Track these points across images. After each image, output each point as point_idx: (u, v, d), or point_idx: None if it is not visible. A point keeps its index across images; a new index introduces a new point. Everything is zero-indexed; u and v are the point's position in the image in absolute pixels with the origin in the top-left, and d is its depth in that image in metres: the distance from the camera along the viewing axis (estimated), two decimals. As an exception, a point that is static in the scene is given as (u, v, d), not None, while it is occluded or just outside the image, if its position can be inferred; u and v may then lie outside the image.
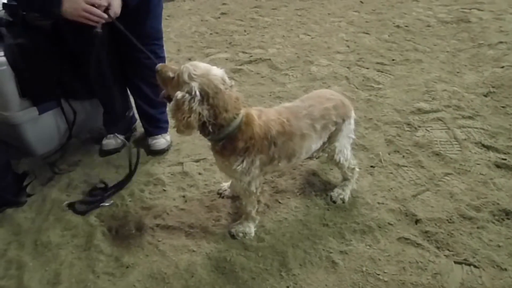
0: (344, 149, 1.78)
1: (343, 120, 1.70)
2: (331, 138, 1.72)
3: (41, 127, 2.16)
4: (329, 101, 1.67)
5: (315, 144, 1.65)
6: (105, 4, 1.61)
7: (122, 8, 1.70)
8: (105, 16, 1.63)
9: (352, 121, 1.77)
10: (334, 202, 1.84)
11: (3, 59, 1.92)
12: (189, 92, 1.32)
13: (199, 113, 1.34)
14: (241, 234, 1.68)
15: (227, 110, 1.39)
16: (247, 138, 1.44)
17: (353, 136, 1.82)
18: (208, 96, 1.34)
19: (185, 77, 1.35)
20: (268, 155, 1.52)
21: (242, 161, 1.47)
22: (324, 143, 1.72)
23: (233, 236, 1.69)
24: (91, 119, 2.34)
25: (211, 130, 1.40)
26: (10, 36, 1.99)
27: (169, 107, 1.44)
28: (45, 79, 2.03)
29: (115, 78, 2.04)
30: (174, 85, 1.40)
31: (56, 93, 2.12)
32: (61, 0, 1.56)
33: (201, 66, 1.38)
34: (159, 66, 1.47)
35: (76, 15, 1.58)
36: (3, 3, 2.09)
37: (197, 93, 1.32)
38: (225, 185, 1.92)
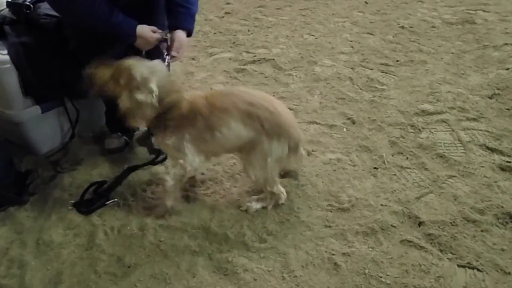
0: (258, 167, 1.69)
1: (276, 130, 1.62)
2: (247, 142, 1.66)
3: (44, 125, 2.16)
4: (264, 103, 1.64)
5: (239, 126, 1.61)
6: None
7: None
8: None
9: (284, 141, 1.66)
10: (241, 208, 1.81)
11: (7, 57, 1.92)
12: (150, 92, 1.52)
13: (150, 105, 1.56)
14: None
15: (168, 96, 1.59)
16: (177, 116, 1.60)
17: (278, 158, 1.69)
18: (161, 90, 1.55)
19: (139, 78, 1.52)
20: (195, 128, 1.63)
21: (172, 136, 1.64)
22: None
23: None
24: (94, 118, 2.33)
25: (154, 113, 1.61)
26: (13, 35, 1.99)
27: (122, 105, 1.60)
28: (48, 77, 2.03)
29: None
30: (123, 86, 1.56)
31: (59, 92, 2.11)
32: (134, 36, 1.73)
33: (146, 65, 1.57)
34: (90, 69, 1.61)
35: (147, 45, 1.79)
36: (7, 2, 2.09)
37: (156, 91, 1.52)
38: None
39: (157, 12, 1.91)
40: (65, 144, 2.26)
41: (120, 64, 1.59)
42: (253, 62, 3.28)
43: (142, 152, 2.24)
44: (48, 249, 1.69)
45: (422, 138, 2.27)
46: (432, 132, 2.32)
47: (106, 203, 1.89)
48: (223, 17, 4.47)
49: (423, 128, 2.36)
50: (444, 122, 2.41)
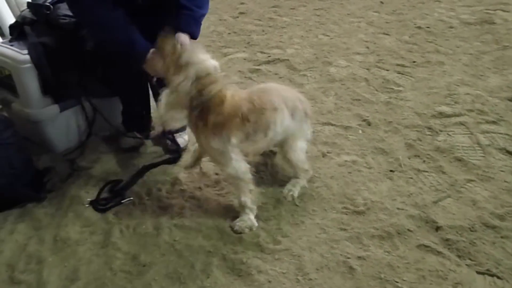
0: (299, 150, 1.84)
1: (305, 115, 1.80)
2: (290, 132, 1.78)
3: (62, 124, 2.19)
4: (293, 94, 1.83)
5: (288, 119, 1.72)
6: None
7: None
8: None
9: (310, 123, 1.88)
10: (285, 198, 1.88)
11: (27, 57, 1.95)
12: (186, 77, 1.49)
13: (190, 94, 1.51)
14: (246, 229, 1.71)
15: (208, 87, 1.52)
16: (218, 113, 1.54)
17: (309, 139, 1.92)
18: (200, 78, 1.50)
19: (183, 61, 1.50)
20: (243, 132, 1.62)
21: (217, 138, 1.58)
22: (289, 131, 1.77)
23: (238, 232, 1.71)
24: (110, 117, 2.35)
25: (194, 104, 1.53)
26: (34, 35, 2.03)
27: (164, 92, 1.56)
28: (67, 77, 2.06)
29: (138, 78, 2.06)
30: (169, 64, 1.54)
31: (77, 91, 2.14)
32: (144, 59, 1.71)
33: (199, 54, 1.54)
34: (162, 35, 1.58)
35: (153, 73, 1.79)
36: (28, 2, 2.13)
37: (193, 76, 1.49)
38: None
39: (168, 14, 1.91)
40: (82, 143, 2.29)
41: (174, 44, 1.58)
42: (268, 62, 3.27)
43: (157, 152, 2.25)
44: (65, 246, 1.72)
45: (439, 141, 2.24)
46: (450, 135, 2.28)
47: (122, 201, 1.92)
48: (237, 17, 4.47)
49: (441, 131, 2.33)
50: (463, 124, 2.36)
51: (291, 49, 3.54)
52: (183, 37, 1.73)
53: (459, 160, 2.08)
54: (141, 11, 1.77)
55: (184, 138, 2.26)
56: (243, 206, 1.72)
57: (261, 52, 3.48)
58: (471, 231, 1.66)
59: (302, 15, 4.45)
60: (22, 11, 2.19)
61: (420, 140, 2.26)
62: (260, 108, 1.62)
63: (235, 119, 1.57)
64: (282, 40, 3.74)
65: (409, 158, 2.13)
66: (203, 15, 1.84)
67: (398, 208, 1.80)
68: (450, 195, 1.87)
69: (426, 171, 2.03)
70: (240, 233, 1.71)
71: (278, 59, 3.31)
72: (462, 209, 1.78)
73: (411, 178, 1.99)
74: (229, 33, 3.98)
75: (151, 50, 1.70)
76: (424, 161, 2.10)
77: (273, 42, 3.69)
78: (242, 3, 4.91)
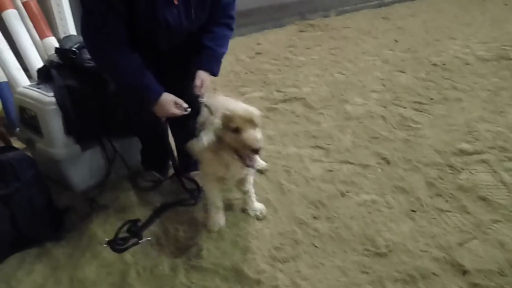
0: None
1: None
2: None
3: (82, 163, 2.24)
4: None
5: None
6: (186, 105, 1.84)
7: None
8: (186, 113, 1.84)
9: None
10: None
11: (52, 99, 2.03)
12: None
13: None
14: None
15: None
16: None
17: None
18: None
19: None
20: None
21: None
22: None
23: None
24: (129, 156, 2.39)
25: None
26: (60, 78, 2.11)
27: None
28: (89, 118, 2.12)
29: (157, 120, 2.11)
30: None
31: (98, 132, 2.20)
32: (154, 104, 1.77)
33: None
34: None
35: (163, 116, 1.83)
36: (56, 48, 2.24)
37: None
38: None
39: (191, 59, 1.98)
40: (102, 182, 2.32)
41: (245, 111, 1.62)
42: (284, 101, 3.32)
43: (175, 191, 2.26)
44: (82, 287, 1.70)
45: (461, 180, 2.18)
46: (472, 173, 2.23)
47: (139, 241, 1.90)
48: (254, 57, 4.59)
49: (462, 169, 2.28)
50: (485, 162, 2.31)
51: (307, 87, 3.58)
52: (204, 75, 1.81)
53: (483, 199, 2.02)
54: (164, 55, 1.84)
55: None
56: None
57: (278, 91, 3.53)
58: (501, 275, 1.58)
59: (318, 54, 4.54)
60: (50, 55, 2.30)
61: (442, 179, 2.21)
62: None
63: None
64: (298, 79, 3.80)
65: (430, 198, 2.07)
66: (223, 54, 1.92)
67: (421, 250, 1.74)
68: (476, 237, 1.80)
69: (449, 211, 1.97)
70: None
71: (295, 97, 3.35)
72: (490, 251, 1.70)
73: (434, 218, 1.93)
74: (246, 73, 4.08)
75: (163, 95, 1.75)
76: (446, 200, 2.05)
77: (289, 81, 3.75)
78: (258, 44, 5.06)
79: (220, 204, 1.93)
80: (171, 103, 1.78)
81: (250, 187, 1.99)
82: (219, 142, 1.63)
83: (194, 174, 2.26)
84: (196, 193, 2.17)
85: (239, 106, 1.61)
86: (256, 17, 5.62)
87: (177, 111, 1.80)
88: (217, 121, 1.61)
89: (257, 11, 5.57)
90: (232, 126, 1.56)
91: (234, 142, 1.59)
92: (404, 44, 4.78)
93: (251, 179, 1.98)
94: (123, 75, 1.72)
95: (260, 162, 1.72)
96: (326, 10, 6.44)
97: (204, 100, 1.85)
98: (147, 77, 1.73)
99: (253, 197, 2.02)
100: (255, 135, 1.55)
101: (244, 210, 2.05)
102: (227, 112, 1.58)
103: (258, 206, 2.03)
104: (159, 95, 1.75)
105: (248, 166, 1.62)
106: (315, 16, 6.27)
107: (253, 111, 1.61)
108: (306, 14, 6.21)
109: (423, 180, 2.21)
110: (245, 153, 1.57)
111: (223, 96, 1.99)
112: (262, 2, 5.61)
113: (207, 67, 1.84)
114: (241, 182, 1.97)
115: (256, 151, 1.53)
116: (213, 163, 1.76)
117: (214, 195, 1.91)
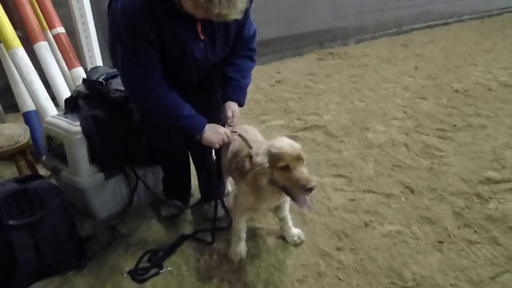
0: None
1: None
2: None
3: (105, 191, 2.27)
4: None
5: None
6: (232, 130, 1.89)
7: None
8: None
9: None
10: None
11: (79, 128, 2.09)
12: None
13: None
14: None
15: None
16: None
17: None
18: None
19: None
20: None
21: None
22: None
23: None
24: (151, 184, 2.42)
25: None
26: (86, 108, 2.17)
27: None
28: (114, 147, 2.16)
29: (179, 149, 2.15)
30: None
31: (122, 160, 2.24)
32: (202, 133, 1.81)
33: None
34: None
35: (216, 143, 1.84)
36: (83, 79, 2.32)
37: None
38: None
39: (218, 89, 2.02)
40: (124, 210, 2.34)
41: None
42: (305, 129, 3.32)
43: (196, 220, 2.26)
44: (102, 318, 1.68)
45: (490, 209, 2.11)
46: (501, 203, 2.15)
47: (160, 272, 1.89)
48: (274, 85, 4.64)
49: (491, 198, 2.20)
50: (514, 191, 2.24)
51: (327, 115, 3.58)
52: (234, 106, 1.86)
53: (514, 230, 1.94)
54: (188, 87, 1.88)
55: (222, 206, 2.26)
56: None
57: (298, 119, 3.54)
58: (538, 313, 1.49)
59: (337, 82, 4.56)
60: (78, 86, 2.38)
61: (469, 208, 2.14)
62: None
63: None
64: (318, 107, 3.81)
65: (458, 228, 2.00)
66: (248, 85, 1.97)
67: (451, 284, 1.67)
68: (509, 270, 1.72)
69: (479, 243, 1.89)
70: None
71: (315, 125, 3.35)
72: (525, 287, 1.62)
73: (463, 250, 1.86)
74: (266, 101, 4.12)
75: (207, 125, 1.80)
76: (475, 231, 1.97)
77: (310, 109, 3.77)
78: (278, 72, 5.13)
79: (243, 235, 1.91)
80: (218, 129, 1.82)
81: (286, 213, 1.97)
82: (261, 178, 1.61)
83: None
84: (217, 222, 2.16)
85: (284, 143, 1.59)
86: (276, 46, 5.73)
87: (225, 138, 1.84)
88: (262, 158, 1.59)
89: (276, 40, 5.68)
90: (281, 165, 1.54)
91: (284, 180, 1.56)
92: (424, 71, 4.76)
93: (287, 206, 1.96)
94: (166, 108, 1.75)
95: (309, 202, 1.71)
96: (345, 38, 6.51)
97: (237, 131, 1.88)
98: (190, 109, 1.78)
99: (290, 223, 2.00)
100: (306, 173, 1.54)
101: (282, 237, 2.04)
102: (274, 150, 1.56)
103: (295, 231, 2.00)
104: (205, 124, 1.80)
105: (301, 205, 1.59)
106: (334, 45, 6.35)
107: (298, 146, 1.59)
108: (325, 42, 6.30)
109: (449, 209, 2.14)
110: (297, 191, 1.55)
111: (247, 125, 2.02)
112: (281, 31, 5.73)
113: (235, 97, 1.90)
114: (277, 209, 1.95)
115: (310, 189, 1.50)
116: (251, 196, 1.75)
117: (241, 226, 1.89)
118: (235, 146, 1.91)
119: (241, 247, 1.91)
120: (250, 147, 1.73)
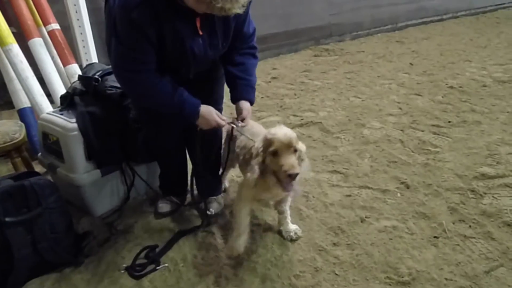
0: None
1: None
2: None
3: (101, 188, 2.26)
4: None
5: None
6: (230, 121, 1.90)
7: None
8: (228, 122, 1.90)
9: None
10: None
11: (75, 125, 2.08)
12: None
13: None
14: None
15: None
16: None
17: None
18: None
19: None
20: None
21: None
22: None
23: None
24: (148, 181, 2.42)
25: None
26: (82, 104, 2.17)
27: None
28: (110, 143, 2.16)
29: (176, 144, 2.14)
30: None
31: (119, 157, 2.23)
32: (197, 116, 1.80)
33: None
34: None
35: (209, 126, 1.84)
36: (79, 75, 2.31)
37: None
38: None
39: (216, 84, 2.02)
40: (120, 206, 2.34)
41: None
42: (301, 125, 3.33)
43: (193, 216, 2.26)
44: (100, 314, 1.69)
45: (485, 204, 2.13)
46: (495, 198, 2.18)
47: (157, 268, 1.89)
48: (270, 81, 4.64)
49: (485, 193, 2.22)
50: (508, 186, 2.26)
51: (323, 112, 3.59)
52: (247, 105, 1.88)
53: (508, 225, 1.96)
54: (186, 83, 1.88)
55: (219, 202, 2.27)
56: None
57: (294, 115, 3.55)
58: (532, 306, 1.51)
59: (333, 79, 4.57)
60: (73, 82, 2.37)
61: (464, 204, 2.16)
62: None
63: None
64: (314, 103, 3.82)
65: (453, 223, 2.02)
66: (255, 82, 1.98)
67: (446, 279, 1.68)
68: (503, 264, 1.74)
69: (474, 237, 1.91)
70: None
71: (311, 122, 3.35)
72: (519, 280, 1.64)
73: (458, 245, 1.88)
74: (262, 97, 4.12)
75: (203, 106, 1.80)
76: (470, 226, 1.99)
77: (306, 106, 3.77)
78: (274, 69, 5.12)
79: (244, 230, 1.89)
80: (213, 113, 1.82)
81: (287, 207, 1.99)
82: (262, 164, 1.65)
83: (211, 199, 2.26)
84: (212, 218, 2.17)
85: (280, 130, 1.62)
86: (272, 43, 5.73)
87: (221, 121, 1.84)
88: (258, 144, 1.64)
89: (272, 36, 5.68)
90: (271, 149, 1.58)
91: (273, 165, 1.60)
92: (420, 67, 4.78)
93: (289, 199, 1.98)
94: (160, 97, 1.75)
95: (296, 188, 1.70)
96: (341, 35, 6.53)
97: (238, 128, 1.89)
98: (183, 91, 1.77)
99: (289, 218, 2.02)
100: (291, 160, 1.56)
101: (279, 232, 2.05)
102: (269, 136, 1.61)
103: (292, 227, 2.02)
104: (199, 105, 1.79)
105: (285, 190, 1.62)
106: (329, 41, 6.36)
107: (292, 135, 1.61)
108: (321, 39, 6.31)
109: (444, 205, 2.16)
110: (281, 176, 1.57)
111: (252, 120, 2.03)
112: (277, 28, 5.73)
113: (246, 96, 1.90)
114: (279, 201, 1.97)
115: (291, 176, 1.53)
116: (255, 187, 1.75)
117: (243, 219, 1.87)
118: (242, 141, 1.93)
119: (240, 242, 1.88)
120: (253, 141, 1.76)
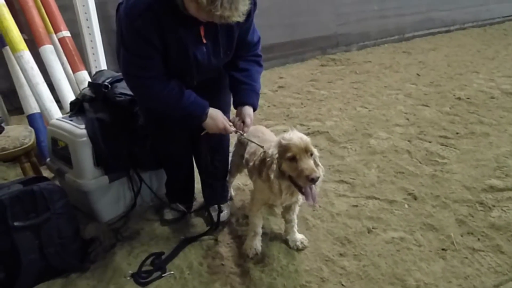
0: None
1: None
2: None
3: (109, 194, 2.27)
4: None
5: None
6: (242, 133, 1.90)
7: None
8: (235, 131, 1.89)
9: None
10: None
11: (84, 131, 2.10)
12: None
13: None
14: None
15: None
16: None
17: None
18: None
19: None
20: None
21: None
22: None
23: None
24: (154, 188, 2.42)
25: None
26: (91, 111, 2.19)
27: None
28: (118, 150, 2.17)
29: (186, 152, 2.15)
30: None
31: (126, 163, 2.24)
32: (204, 117, 1.80)
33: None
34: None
35: (216, 130, 1.85)
36: (89, 82, 2.33)
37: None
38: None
39: (223, 92, 2.03)
40: (127, 213, 2.34)
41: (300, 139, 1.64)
42: (307, 134, 3.27)
43: (199, 224, 2.26)
44: (105, 321, 1.68)
45: (493, 217, 2.11)
46: (504, 211, 2.16)
47: (163, 275, 1.89)
48: (276, 90, 4.66)
49: (494, 206, 2.20)
50: (517, 199, 2.24)
51: (330, 121, 3.59)
52: (250, 110, 1.89)
53: (518, 238, 1.94)
54: (194, 91, 1.89)
55: (226, 210, 2.27)
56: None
57: (301, 125, 3.55)
58: (542, 322, 1.49)
59: (340, 88, 4.58)
60: (83, 89, 2.40)
61: (472, 216, 2.14)
62: None
63: None
64: (321, 113, 3.82)
65: (461, 236, 2.00)
66: (259, 89, 1.98)
67: (454, 292, 1.67)
68: (513, 279, 1.72)
69: (482, 251, 1.89)
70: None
71: (318, 131, 3.36)
72: (529, 295, 1.62)
73: (466, 258, 1.86)
74: (269, 106, 4.13)
75: (211, 109, 1.81)
76: (478, 239, 1.98)
77: (312, 115, 3.78)
78: (281, 78, 5.14)
79: (259, 230, 1.94)
80: (221, 116, 1.83)
81: (294, 216, 1.99)
82: (271, 169, 1.64)
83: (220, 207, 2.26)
84: (218, 225, 2.17)
85: (294, 135, 1.63)
86: (278, 52, 5.76)
87: (229, 127, 1.85)
88: (273, 150, 1.63)
89: (279, 46, 5.71)
90: (288, 155, 1.57)
91: (291, 170, 1.60)
92: (427, 78, 4.78)
93: (297, 208, 1.98)
94: (169, 100, 1.76)
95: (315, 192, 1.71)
96: (347, 45, 6.55)
97: (245, 135, 1.90)
98: (191, 93, 1.78)
99: (295, 227, 2.01)
100: (311, 164, 1.56)
101: (285, 241, 2.04)
102: (284, 141, 1.61)
103: (299, 236, 2.01)
104: (207, 106, 1.80)
105: (304, 194, 1.62)
106: (336, 51, 6.38)
107: (307, 139, 1.62)
108: (328, 49, 6.33)
109: (452, 217, 2.15)
110: (301, 181, 1.57)
111: (262, 126, 2.05)
112: (284, 37, 5.77)
113: (249, 101, 1.90)
114: (287, 210, 1.97)
115: (313, 180, 1.52)
116: (266, 191, 1.77)
117: (257, 221, 1.91)
118: (252, 147, 1.94)
119: (257, 242, 1.94)
120: (262, 147, 1.77)
